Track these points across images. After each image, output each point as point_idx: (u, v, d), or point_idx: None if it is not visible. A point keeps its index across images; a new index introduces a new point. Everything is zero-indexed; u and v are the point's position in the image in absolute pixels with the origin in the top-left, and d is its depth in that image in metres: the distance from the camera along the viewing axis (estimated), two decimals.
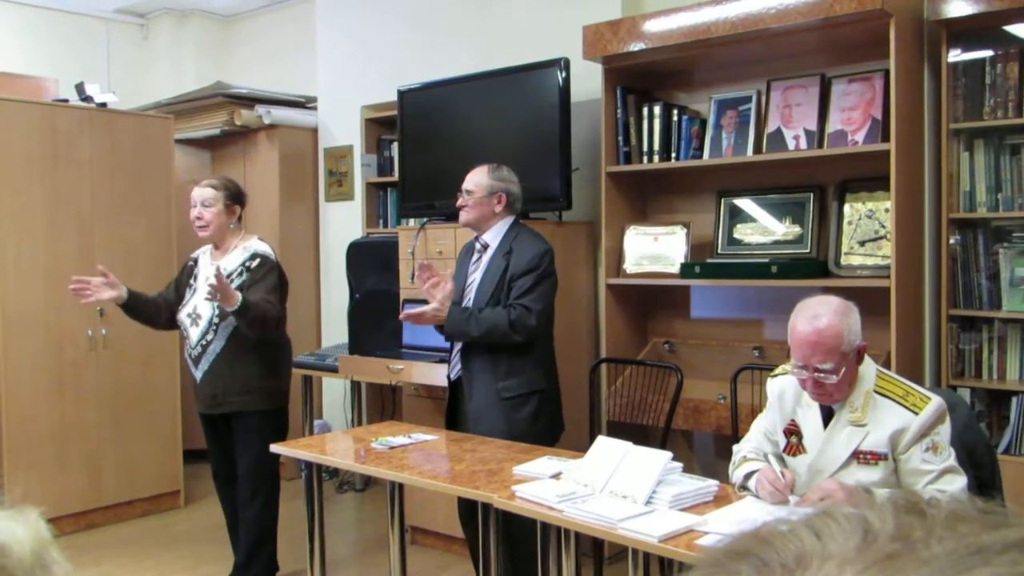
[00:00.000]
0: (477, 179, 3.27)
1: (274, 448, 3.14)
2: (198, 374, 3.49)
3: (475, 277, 3.28)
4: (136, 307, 3.54)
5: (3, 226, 4.25)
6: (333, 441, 3.52)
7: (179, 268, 3.73)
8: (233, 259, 3.49)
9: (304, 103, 5.64)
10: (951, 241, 3.33)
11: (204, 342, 3.45)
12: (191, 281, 3.56)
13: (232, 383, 3.44)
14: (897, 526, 0.43)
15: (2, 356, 4.25)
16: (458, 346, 3.28)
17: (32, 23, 5.92)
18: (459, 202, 3.29)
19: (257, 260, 3.47)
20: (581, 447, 2.86)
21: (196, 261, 3.63)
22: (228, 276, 3.37)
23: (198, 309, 3.47)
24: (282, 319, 3.51)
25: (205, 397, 3.49)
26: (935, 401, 2.16)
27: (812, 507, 1.81)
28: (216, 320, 3.42)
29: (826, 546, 0.43)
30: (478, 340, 3.14)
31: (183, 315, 3.52)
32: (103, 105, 4.61)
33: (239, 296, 3.24)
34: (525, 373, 3.17)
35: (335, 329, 5.39)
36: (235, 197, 3.54)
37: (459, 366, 3.28)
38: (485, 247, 3.29)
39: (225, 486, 3.64)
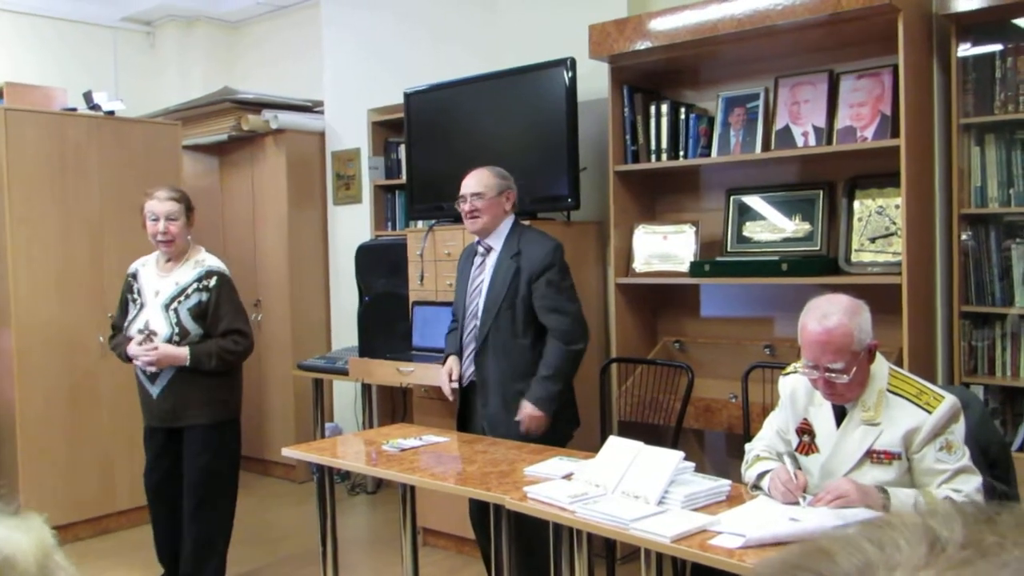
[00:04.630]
0: (485, 180, 3.22)
1: (286, 451, 3.14)
2: (155, 390, 3.43)
3: (482, 281, 3.27)
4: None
5: (15, 234, 4.27)
6: (344, 444, 3.52)
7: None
8: (185, 273, 3.44)
9: (311, 107, 5.65)
10: (963, 237, 3.31)
11: None
12: (134, 296, 3.50)
13: (191, 396, 3.41)
14: (966, 533, 0.43)
15: (16, 363, 4.28)
16: (469, 353, 3.28)
17: (41, 33, 5.95)
18: (468, 207, 3.20)
19: (215, 278, 3.43)
20: (592, 447, 2.85)
21: (135, 276, 3.54)
22: (183, 291, 3.39)
23: (151, 324, 3.40)
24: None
25: (161, 412, 3.45)
26: (949, 400, 2.14)
27: (826, 507, 1.79)
28: (176, 338, 3.37)
29: (891, 556, 0.43)
30: (565, 384, 3.17)
31: (133, 331, 3.44)
32: (111, 113, 4.63)
33: (184, 354, 3.33)
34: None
35: (345, 332, 5.39)
36: (190, 206, 3.50)
37: (470, 372, 3.28)
38: (489, 250, 3.27)
39: (161, 495, 3.58)
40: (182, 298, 3.39)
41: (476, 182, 3.22)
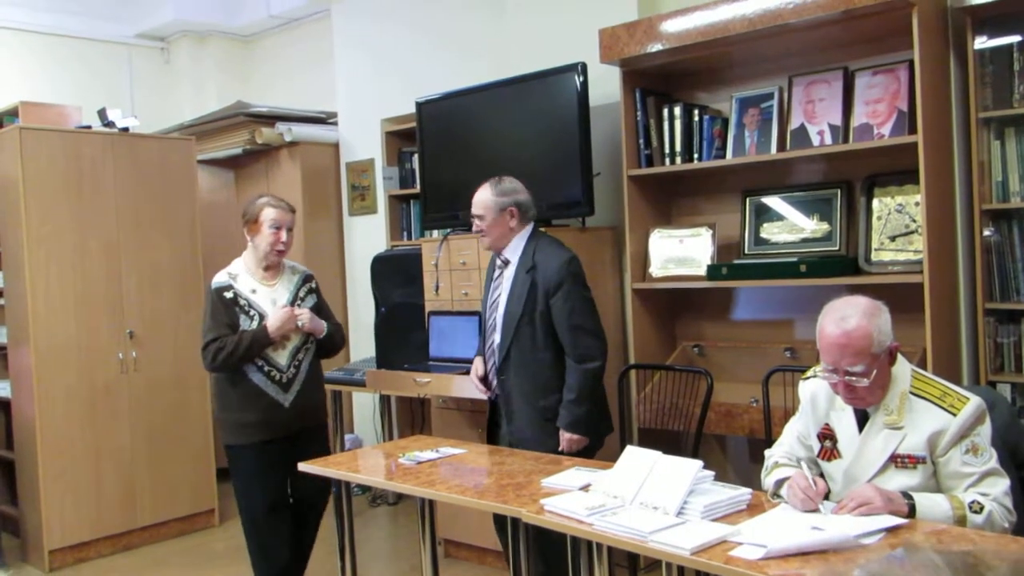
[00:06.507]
0: (483, 201, 3.22)
1: (302, 467, 3.13)
2: (288, 397, 3.39)
3: (499, 295, 3.26)
4: None
5: (32, 253, 4.30)
6: (362, 458, 3.50)
7: (211, 300, 3.42)
8: (289, 280, 3.51)
9: (324, 119, 5.66)
10: (985, 233, 3.24)
11: (296, 362, 3.44)
12: (245, 307, 3.37)
13: (316, 397, 3.56)
14: None
15: (36, 382, 4.30)
16: (491, 366, 3.26)
17: (56, 51, 6.01)
18: (474, 228, 3.27)
19: (314, 281, 3.63)
20: (611, 456, 2.81)
21: (233, 289, 3.38)
22: (296, 295, 3.50)
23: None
24: None
25: (290, 418, 3.40)
26: (974, 401, 2.09)
27: (850, 515, 1.73)
28: (313, 338, 3.50)
29: None
30: (591, 402, 3.14)
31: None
32: (125, 130, 4.65)
33: (323, 325, 3.49)
34: (563, 390, 3.15)
35: (363, 343, 5.39)
36: None
37: (494, 384, 3.27)
38: (506, 263, 3.26)
39: (282, 513, 3.45)
40: (299, 302, 3.49)
41: (476, 203, 3.23)
